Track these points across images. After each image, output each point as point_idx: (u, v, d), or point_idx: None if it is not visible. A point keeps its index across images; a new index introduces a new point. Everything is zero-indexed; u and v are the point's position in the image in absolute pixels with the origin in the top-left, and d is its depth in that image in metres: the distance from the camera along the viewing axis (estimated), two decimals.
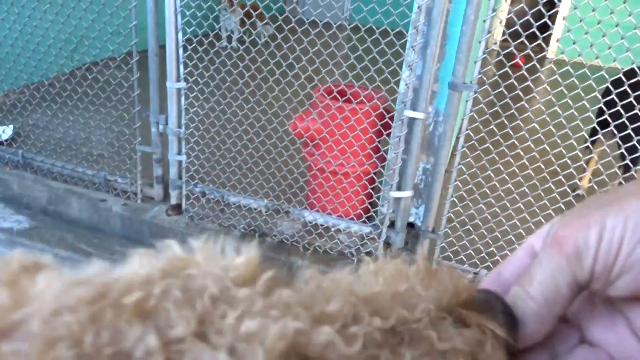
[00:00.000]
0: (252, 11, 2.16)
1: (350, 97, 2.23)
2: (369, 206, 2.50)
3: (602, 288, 0.33)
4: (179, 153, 2.42)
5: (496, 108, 2.06)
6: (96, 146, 2.99)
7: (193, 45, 2.25)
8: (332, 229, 2.43)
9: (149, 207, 2.56)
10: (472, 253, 2.26)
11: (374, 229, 2.39)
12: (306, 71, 2.19)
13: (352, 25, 2.11)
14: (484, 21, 1.87)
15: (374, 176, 2.42)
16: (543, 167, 2.13)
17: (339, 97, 2.24)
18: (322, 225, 2.44)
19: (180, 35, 2.19)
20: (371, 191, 2.45)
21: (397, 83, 2.13)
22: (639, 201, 0.32)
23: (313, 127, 2.26)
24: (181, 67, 2.25)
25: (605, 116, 2.02)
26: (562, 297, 0.33)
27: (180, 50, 2.22)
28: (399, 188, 2.25)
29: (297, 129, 2.25)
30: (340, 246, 2.42)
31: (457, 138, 2.09)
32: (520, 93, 1.98)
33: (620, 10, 1.78)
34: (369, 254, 2.38)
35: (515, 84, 1.98)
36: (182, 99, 2.32)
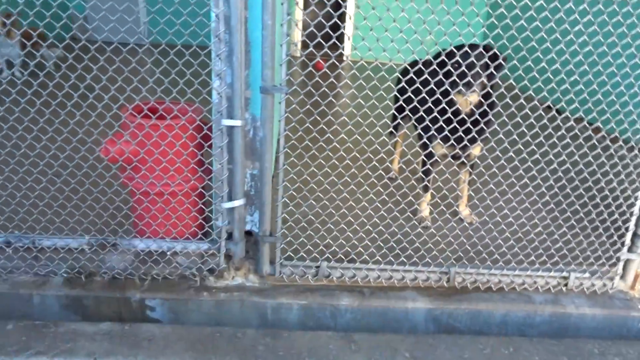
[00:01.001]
0: (32, 32, 1.90)
1: (163, 114, 2.11)
2: (203, 222, 2.40)
3: None
4: None
5: (307, 106, 2.14)
6: None
7: None
8: (169, 253, 2.28)
9: None
10: (311, 248, 2.32)
11: (212, 244, 2.30)
12: (109, 91, 2.01)
13: (149, 40, 2.00)
14: (282, 25, 1.92)
15: (203, 190, 2.33)
16: (358, 155, 2.29)
17: (151, 115, 2.11)
18: (156, 252, 2.27)
19: None
20: (202, 206, 2.36)
21: (209, 93, 2.08)
22: None
23: (128, 150, 2.09)
24: None
25: (400, 102, 2.25)
26: None
27: None
28: (230, 198, 2.20)
29: (110, 154, 2.06)
30: (180, 269, 2.28)
31: (278, 140, 2.13)
32: (327, 89, 2.09)
33: (394, 7, 1.98)
34: (211, 270, 2.29)
35: (320, 81, 2.08)
36: None
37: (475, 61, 2.18)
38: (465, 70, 2.16)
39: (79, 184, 2.22)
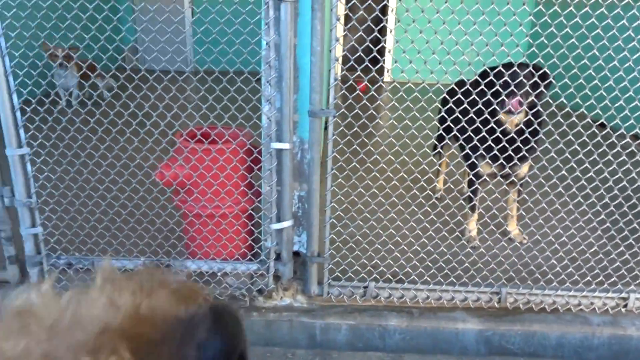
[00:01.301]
0: (89, 72, 2.02)
1: (215, 138, 2.18)
2: (253, 243, 2.45)
3: None
4: (33, 225, 2.15)
5: (355, 129, 2.17)
6: None
7: (32, 106, 2.03)
8: (219, 274, 2.33)
9: (3, 293, 2.22)
10: (359, 269, 2.32)
11: (261, 265, 2.34)
12: (164, 118, 2.10)
13: (199, 75, 2.09)
14: (330, 51, 1.96)
15: (252, 212, 2.38)
16: (405, 176, 2.29)
17: (204, 140, 2.18)
18: (207, 272, 2.33)
19: (15, 97, 1.96)
20: (252, 228, 2.41)
21: (259, 118, 2.14)
22: None
23: (182, 174, 2.16)
24: (21, 131, 2.02)
25: (447, 122, 2.24)
26: None
27: (18, 114, 1.99)
28: (278, 220, 2.24)
29: (165, 178, 2.14)
30: (230, 289, 2.33)
31: (325, 162, 2.16)
32: (374, 112, 2.12)
33: (442, 30, 1.99)
34: (260, 291, 2.33)
35: (368, 104, 2.11)
36: (28, 165, 2.07)
37: (524, 80, 2.16)
38: (514, 90, 2.14)
39: (136, 207, 2.31)
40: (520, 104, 2.25)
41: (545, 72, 2.26)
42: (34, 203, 2.12)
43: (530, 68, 2.17)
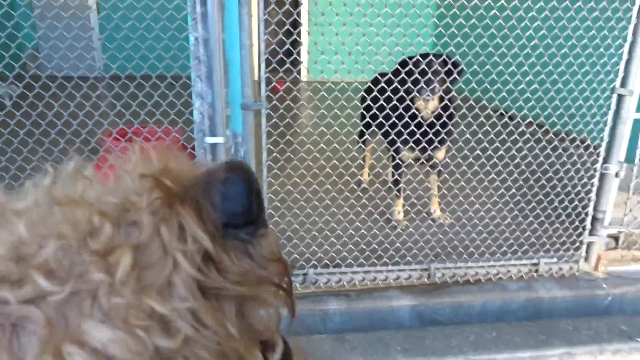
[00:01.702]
0: None
1: (148, 136, 2.16)
2: None
3: None
4: None
5: (287, 120, 2.25)
6: None
7: None
8: None
9: None
10: (297, 257, 2.40)
11: None
12: (86, 125, 2.04)
13: (109, 75, 2.06)
14: (259, 45, 2.03)
15: None
16: (337, 163, 2.40)
17: (135, 138, 2.15)
18: None
19: None
20: None
21: (190, 114, 2.15)
22: None
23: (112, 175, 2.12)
24: None
25: (367, 119, 2.39)
26: None
27: None
28: None
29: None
30: None
31: (260, 154, 2.21)
32: (297, 111, 2.21)
33: (356, 32, 2.14)
34: None
35: (292, 104, 2.20)
36: None
37: (439, 67, 2.36)
38: (426, 68, 2.34)
39: None
40: (436, 87, 2.45)
41: (456, 61, 2.48)
42: None
43: (444, 57, 2.37)
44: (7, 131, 1.96)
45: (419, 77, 2.30)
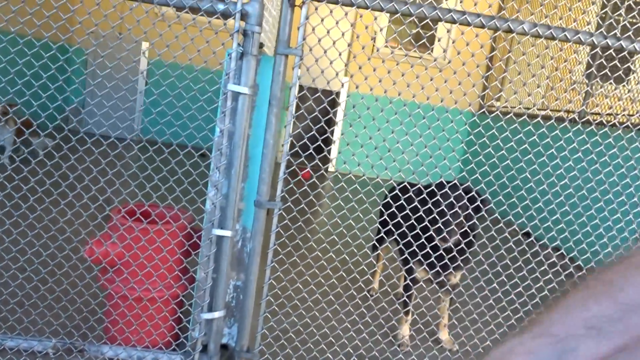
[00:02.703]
0: (23, 128, 1.94)
1: (155, 218, 2.12)
2: (179, 332, 2.31)
3: None
4: None
5: (299, 223, 2.18)
6: None
7: None
8: None
9: None
10: None
11: (185, 357, 2.19)
12: (103, 192, 2.03)
13: (141, 144, 2.07)
14: (282, 145, 2.02)
15: (183, 299, 2.27)
16: (344, 275, 2.29)
17: (143, 219, 2.11)
18: None
19: None
20: (181, 315, 2.28)
21: (203, 202, 2.11)
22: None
23: (113, 252, 2.06)
24: None
25: (389, 226, 2.30)
26: None
27: None
28: (210, 309, 2.14)
29: (95, 255, 2.02)
30: None
31: (266, 253, 2.13)
32: (314, 199, 2.15)
33: (385, 128, 2.12)
34: None
35: (314, 200, 2.14)
36: None
37: (459, 210, 2.29)
38: (449, 219, 2.26)
39: (57, 283, 2.15)
40: (455, 232, 2.35)
41: (486, 199, 2.42)
42: None
43: (474, 193, 2.31)
44: (26, 187, 1.95)
45: (442, 227, 2.23)
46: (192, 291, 2.21)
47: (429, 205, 2.21)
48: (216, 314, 2.12)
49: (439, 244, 2.35)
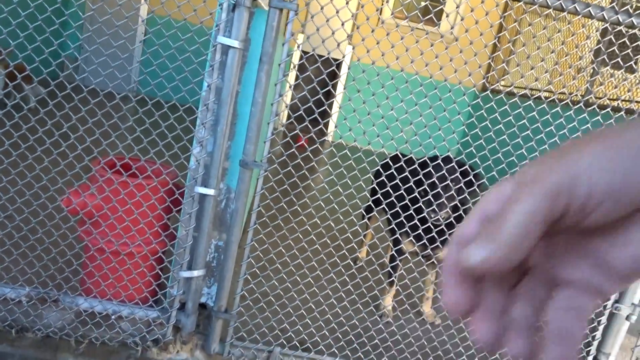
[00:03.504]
0: (16, 72, 1.86)
1: (136, 172, 2.07)
2: (157, 288, 2.29)
3: (574, 221, 0.35)
4: None
5: (285, 186, 2.13)
6: None
7: None
8: (113, 317, 2.14)
9: None
10: (266, 331, 2.22)
11: (162, 313, 2.18)
12: (84, 142, 1.96)
13: (138, 97, 1.99)
14: (272, 104, 1.95)
15: (162, 256, 2.24)
16: (329, 241, 2.25)
17: (123, 172, 2.05)
18: (100, 314, 2.13)
19: None
20: (159, 272, 2.26)
21: (188, 159, 2.05)
22: (604, 143, 0.35)
23: (91, 203, 2.01)
24: None
25: (378, 195, 2.26)
26: (534, 233, 0.34)
27: None
28: (189, 267, 2.12)
29: (72, 205, 1.97)
30: (122, 335, 2.14)
31: (249, 215, 2.09)
32: (307, 172, 2.10)
33: (385, 104, 2.05)
34: (156, 341, 2.15)
35: (302, 163, 2.09)
36: None
37: (450, 183, 2.24)
38: (440, 192, 2.21)
39: (32, 231, 2.11)
40: (445, 205, 2.30)
41: (479, 173, 2.36)
42: None
43: (467, 167, 2.26)
44: (17, 134, 1.87)
45: (432, 200, 2.18)
46: (172, 248, 2.18)
47: (420, 176, 2.17)
48: (195, 273, 2.10)
49: (428, 217, 2.31)
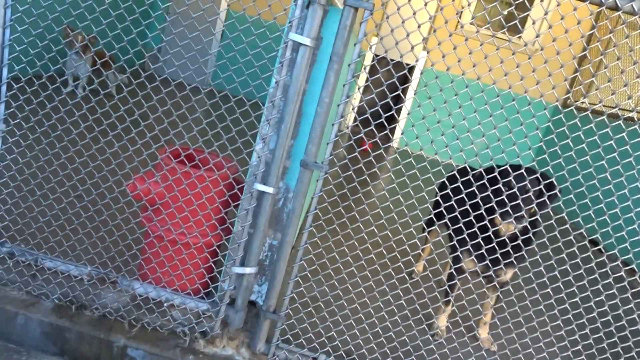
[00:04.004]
0: (110, 61, 1.95)
1: (199, 163, 2.10)
2: (209, 281, 2.32)
3: None
4: None
5: (345, 190, 2.09)
6: None
7: (21, 84, 1.96)
8: (165, 304, 2.19)
9: None
10: (312, 337, 2.19)
11: (212, 306, 2.21)
12: (153, 130, 2.02)
13: (207, 89, 2.03)
14: (338, 105, 1.92)
15: (217, 249, 2.27)
16: (385, 252, 2.19)
17: (187, 162, 2.10)
18: (154, 300, 2.19)
19: (5, 70, 1.90)
20: (213, 265, 2.29)
21: (250, 154, 2.06)
22: None
23: (155, 190, 2.07)
24: (2, 106, 1.94)
25: (441, 209, 2.16)
26: None
27: (4, 88, 1.92)
28: (242, 263, 2.12)
29: (136, 191, 2.04)
30: (172, 323, 2.18)
31: (306, 216, 2.07)
32: (368, 178, 2.05)
33: (456, 113, 1.96)
34: (203, 333, 2.18)
35: (364, 168, 2.04)
36: None
37: (529, 186, 2.09)
38: (521, 204, 2.07)
39: (97, 212, 2.20)
40: (524, 218, 2.15)
41: (552, 182, 2.20)
42: None
43: (538, 175, 2.11)
44: (92, 117, 1.97)
45: (506, 200, 2.04)
46: (227, 243, 2.20)
47: (497, 186, 2.03)
48: (247, 270, 2.11)
49: (501, 230, 2.17)
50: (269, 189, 2.02)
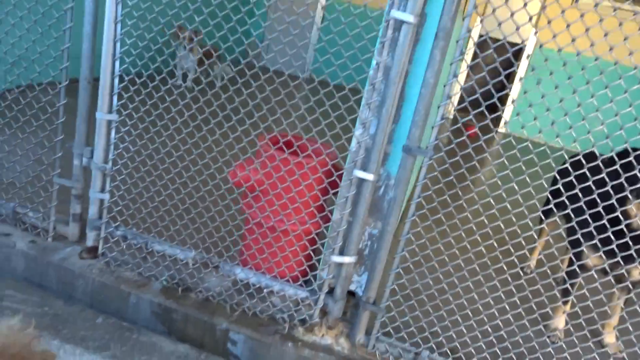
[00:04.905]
0: (213, 52, 2.02)
1: (298, 150, 2.10)
2: (308, 269, 2.33)
3: None
4: (102, 191, 2.21)
5: (451, 178, 1.97)
6: (7, 173, 2.71)
7: (131, 76, 2.08)
8: (265, 291, 2.24)
9: (61, 247, 2.31)
10: (415, 331, 2.12)
11: (311, 295, 2.22)
12: (252, 117, 2.06)
13: (305, 77, 2.01)
14: (444, 86, 1.80)
15: (316, 237, 2.26)
16: (496, 245, 2.04)
17: (285, 149, 2.11)
18: (254, 285, 2.25)
19: (117, 63, 2.02)
20: (311, 253, 2.30)
21: (349, 140, 2.02)
22: None
23: (254, 178, 2.11)
24: (114, 97, 2.07)
25: (563, 198, 1.96)
26: None
27: (116, 80, 2.05)
28: (341, 252, 2.10)
29: (237, 178, 2.09)
30: (272, 310, 2.23)
31: (408, 205, 1.98)
32: (477, 164, 1.91)
33: (582, 92, 1.75)
34: (302, 321, 2.20)
35: (472, 154, 1.90)
36: (113, 132, 2.13)
37: None
38: None
39: (201, 199, 2.30)
40: None
41: None
42: (108, 169, 2.17)
43: None
44: (195, 106, 2.05)
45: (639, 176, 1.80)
46: (326, 231, 2.18)
47: (625, 177, 1.81)
48: (346, 259, 2.08)
49: (637, 222, 1.93)
50: (369, 176, 1.96)
